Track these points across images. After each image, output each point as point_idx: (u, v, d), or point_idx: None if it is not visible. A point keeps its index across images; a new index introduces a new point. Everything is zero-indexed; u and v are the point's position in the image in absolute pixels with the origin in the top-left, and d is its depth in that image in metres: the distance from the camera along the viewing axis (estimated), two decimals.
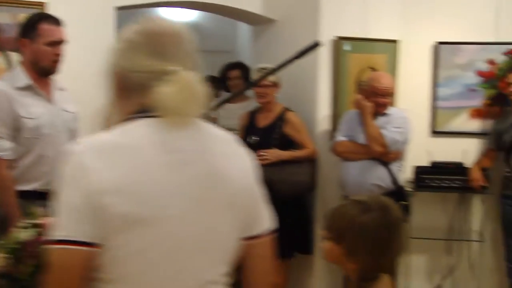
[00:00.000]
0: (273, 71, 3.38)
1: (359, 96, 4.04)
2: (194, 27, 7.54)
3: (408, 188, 4.41)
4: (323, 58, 4.40)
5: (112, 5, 4.07)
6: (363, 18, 4.47)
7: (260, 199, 1.61)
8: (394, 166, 4.03)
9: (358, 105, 4.02)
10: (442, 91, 4.62)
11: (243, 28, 6.74)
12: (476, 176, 4.38)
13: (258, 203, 1.60)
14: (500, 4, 4.54)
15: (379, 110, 4.00)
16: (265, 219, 1.61)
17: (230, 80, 4.94)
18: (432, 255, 4.79)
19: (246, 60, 5.65)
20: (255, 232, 1.58)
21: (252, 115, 4.41)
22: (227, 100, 3.59)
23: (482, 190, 4.42)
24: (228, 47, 7.26)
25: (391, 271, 1.84)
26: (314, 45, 2.16)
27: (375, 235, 1.78)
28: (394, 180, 4.01)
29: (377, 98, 3.96)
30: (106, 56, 1.50)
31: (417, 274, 4.78)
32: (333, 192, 4.31)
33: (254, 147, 4.24)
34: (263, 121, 4.32)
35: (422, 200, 4.58)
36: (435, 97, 4.64)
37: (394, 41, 4.55)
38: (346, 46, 4.41)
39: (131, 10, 4.25)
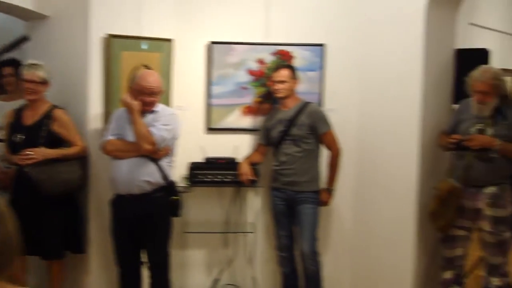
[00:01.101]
0: None
1: (126, 95, 4.04)
2: None
3: (183, 183, 4.51)
4: (94, 55, 4.34)
5: None
6: (136, 16, 4.46)
7: None
8: (164, 162, 4.05)
9: (125, 104, 4.00)
10: (216, 89, 4.76)
11: None
12: (245, 171, 4.56)
13: None
14: (269, 7, 4.76)
15: (147, 108, 4.01)
16: None
17: (4, 78, 4.75)
18: (210, 249, 4.92)
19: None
20: None
21: (18, 113, 4.27)
22: None
23: (251, 183, 4.58)
24: None
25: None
26: (22, 39, 2.15)
27: None
28: (165, 176, 4.05)
29: (144, 97, 3.97)
30: None
31: (194, 268, 4.90)
32: (106, 190, 4.29)
33: (20, 145, 4.14)
34: (30, 119, 4.21)
35: (199, 195, 4.70)
36: (209, 95, 4.77)
37: (168, 40, 4.60)
38: (118, 44, 4.38)
39: None
